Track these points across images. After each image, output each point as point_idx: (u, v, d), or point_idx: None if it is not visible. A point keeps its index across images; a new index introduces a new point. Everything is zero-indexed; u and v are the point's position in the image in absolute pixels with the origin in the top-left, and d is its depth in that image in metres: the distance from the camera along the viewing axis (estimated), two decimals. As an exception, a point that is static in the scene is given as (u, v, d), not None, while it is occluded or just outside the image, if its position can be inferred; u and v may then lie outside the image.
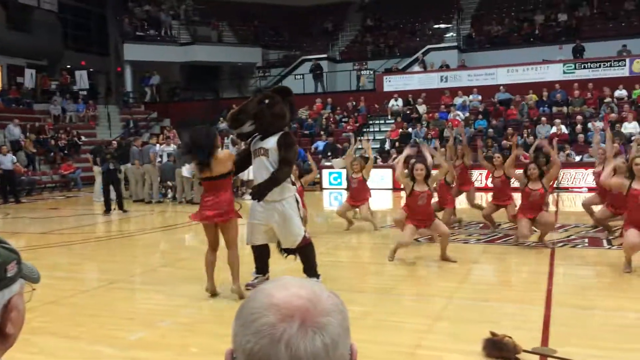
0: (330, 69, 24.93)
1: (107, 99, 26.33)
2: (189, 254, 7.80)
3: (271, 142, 5.12)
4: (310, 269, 5.32)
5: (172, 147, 15.10)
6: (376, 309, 4.78)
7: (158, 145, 15.79)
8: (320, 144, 18.99)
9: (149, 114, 24.39)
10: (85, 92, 23.66)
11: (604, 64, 19.77)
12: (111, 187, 12.14)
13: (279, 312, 0.77)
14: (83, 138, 20.63)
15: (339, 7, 29.10)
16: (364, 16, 28.65)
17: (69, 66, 25.51)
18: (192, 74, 27.82)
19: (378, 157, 8.63)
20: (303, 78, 24.20)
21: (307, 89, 24.10)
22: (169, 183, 14.52)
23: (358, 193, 8.90)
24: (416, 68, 23.13)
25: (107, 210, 12.02)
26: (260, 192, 5.14)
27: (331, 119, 21.06)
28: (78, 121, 22.33)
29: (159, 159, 14.81)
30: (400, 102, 20.97)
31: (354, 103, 21.83)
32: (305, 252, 5.31)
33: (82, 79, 23.64)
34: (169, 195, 14.77)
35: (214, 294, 5.18)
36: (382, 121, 20.91)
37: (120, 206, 12.25)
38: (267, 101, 5.13)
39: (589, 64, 20.04)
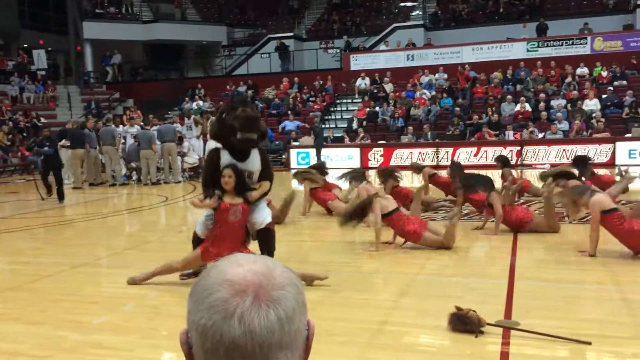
0: (297, 47, 24.72)
1: (67, 79, 25.60)
2: (156, 237, 7.71)
3: (255, 164, 5.04)
4: (270, 254, 5.08)
5: (135, 128, 14.82)
6: (343, 287, 4.81)
7: (121, 126, 15.46)
8: (288, 124, 18.89)
9: (111, 94, 23.83)
10: (43, 72, 22.94)
11: (567, 42, 20.11)
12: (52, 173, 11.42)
13: (232, 287, 0.76)
14: (42, 120, 20.04)
15: (304, -15, 28.78)
16: (330, -6, 28.40)
17: (26, 45, 24.65)
18: (156, 52, 27.26)
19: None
20: (269, 57, 23.94)
21: (274, 68, 23.89)
22: (134, 164, 14.27)
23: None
24: (382, 46, 23.13)
25: (49, 193, 11.35)
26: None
27: (298, 99, 20.95)
28: (37, 102, 21.67)
29: (122, 141, 14.53)
30: (367, 80, 20.97)
31: (321, 82, 21.74)
32: (267, 235, 5.14)
33: (40, 58, 22.89)
34: (134, 178, 14.53)
35: None
36: (349, 100, 20.90)
37: (60, 195, 11.12)
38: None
39: (551, 42, 20.35)
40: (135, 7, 26.59)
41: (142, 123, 15.40)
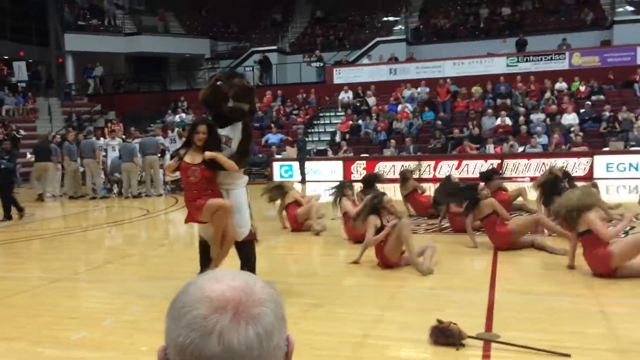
0: (280, 60, 24.82)
1: (48, 91, 25.37)
2: (137, 250, 7.63)
3: (236, 133, 4.89)
4: (251, 268, 4.96)
5: (117, 141, 14.71)
6: (325, 301, 4.80)
7: (102, 139, 15.35)
8: (271, 137, 18.90)
9: (93, 106, 23.65)
10: (24, 84, 22.71)
11: (545, 57, 20.47)
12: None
13: (211, 304, 0.75)
14: (22, 132, 19.80)
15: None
16: (313, 8, 28.62)
17: (6, 57, 24.40)
18: (138, 65, 27.16)
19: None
20: (253, 70, 24.00)
21: (257, 81, 23.95)
22: (117, 175, 14.13)
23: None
24: (365, 60, 23.32)
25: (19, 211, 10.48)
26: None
27: (282, 112, 20.99)
28: (17, 115, 21.42)
29: (103, 153, 14.41)
30: (350, 94, 21.10)
31: (304, 95, 21.82)
32: (247, 248, 5.04)
33: (20, 70, 22.67)
34: (115, 191, 14.40)
35: None
36: (332, 113, 20.99)
37: (6, 211, 10.31)
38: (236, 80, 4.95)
39: (531, 57, 20.71)
40: (118, 19, 26.50)
41: (123, 136, 15.29)
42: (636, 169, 14.74)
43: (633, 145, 15.54)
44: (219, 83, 4.87)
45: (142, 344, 3.92)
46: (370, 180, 8.38)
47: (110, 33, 25.78)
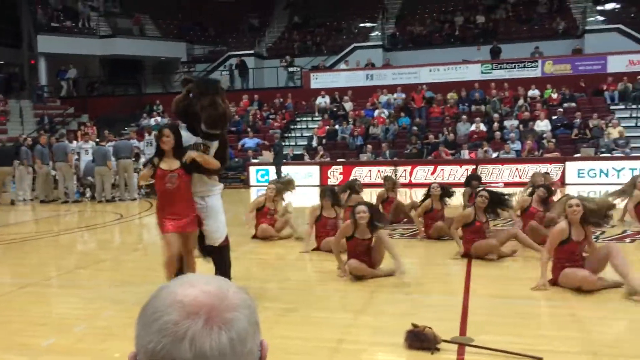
0: (257, 65, 24.78)
1: (20, 93, 24.88)
2: (110, 255, 7.52)
3: (214, 143, 4.87)
4: (225, 273, 4.89)
5: (90, 144, 14.49)
6: (300, 306, 4.79)
7: (75, 142, 15.11)
8: (247, 141, 18.83)
9: (66, 109, 23.27)
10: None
11: (519, 65, 20.82)
12: None
13: (184, 309, 0.74)
14: (-7, 134, 19.38)
15: (265, 4, 28.95)
16: (291, 13, 28.67)
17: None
18: (113, 67, 26.82)
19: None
20: (229, 74, 23.91)
21: (233, 84, 23.88)
22: (90, 179, 13.91)
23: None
24: (342, 66, 23.43)
25: None
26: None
27: (258, 116, 20.94)
28: (-13, 116, 20.97)
29: (76, 157, 14.18)
30: (327, 99, 21.15)
31: (281, 100, 21.81)
32: (223, 253, 5.00)
33: (-9, 71, 22.20)
34: (87, 195, 14.18)
35: None
36: (309, 118, 21.02)
37: None
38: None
39: (505, 64, 21.04)
40: (92, 21, 26.15)
41: (97, 139, 15.07)
42: (606, 175, 15.06)
43: (603, 152, 15.89)
44: (190, 95, 4.83)
45: (115, 350, 3.85)
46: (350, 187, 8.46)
47: (84, 35, 25.42)
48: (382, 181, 9.83)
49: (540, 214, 7.27)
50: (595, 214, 5.02)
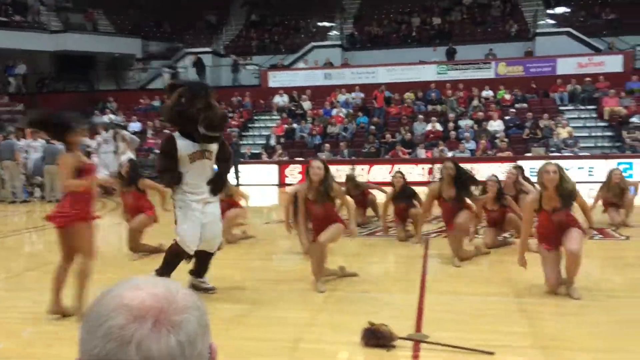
0: (214, 63, 24.50)
1: (-35, 89, 23.88)
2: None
3: (214, 145, 4.92)
4: (204, 271, 5.23)
5: (40, 142, 14.03)
6: (259, 306, 4.77)
7: (23, 139, 14.60)
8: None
9: (14, 106, 22.45)
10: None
11: (473, 66, 21.27)
12: None
13: (130, 312, 0.73)
14: None
15: (223, 1, 28.64)
16: (249, 11, 28.46)
17: None
18: (64, 63, 26.00)
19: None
20: (186, 71, 23.56)
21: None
22: (39, 178, 13.45)
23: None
24: (301, 65, 23.42)
25: None
26: (220, 186, 5.04)
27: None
28: None
29: (24, 155, 13.70)
30: (285, 98, 21.10)
31: (239, 98, 21.64)
32: (205, 256, 5.16)
33: None
34: (37, 194, 13.71)
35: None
36: (267, 117, 20.92)
37: None
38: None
39: (459, 65, 21.46)
40: (42, 16, 25.30)
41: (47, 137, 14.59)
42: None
43: (553, 151, 16.40)
44: (182, 100, 4.71)
45: (64, 355, 3.74)
46: None
47: (34, 30, 24.56)
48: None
49: None
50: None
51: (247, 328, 4.21)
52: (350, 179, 9.11)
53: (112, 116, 20.02)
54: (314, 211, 5.29)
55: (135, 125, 20.26)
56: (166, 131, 4.96)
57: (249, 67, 24.09)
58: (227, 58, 25.15)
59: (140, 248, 6.78)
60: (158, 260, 5.24)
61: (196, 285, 5.14)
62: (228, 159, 5.16)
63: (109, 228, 8.78)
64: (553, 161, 4.90)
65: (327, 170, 5.33)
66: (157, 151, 4.95)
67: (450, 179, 6.24)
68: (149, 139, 19.61)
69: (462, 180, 6.31)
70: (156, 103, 22.21)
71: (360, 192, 9.04)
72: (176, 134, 4.84)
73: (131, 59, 26.32)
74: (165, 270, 4.90)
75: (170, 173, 4.83)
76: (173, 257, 4.98)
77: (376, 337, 3.69)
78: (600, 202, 8.57)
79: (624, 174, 9.07)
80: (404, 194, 7.66)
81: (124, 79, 25.62)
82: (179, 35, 27.16)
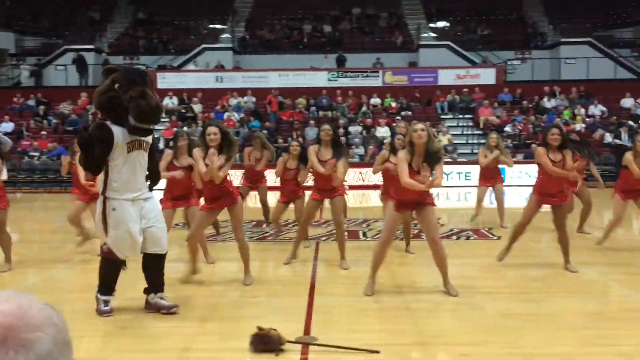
0: (97, 61, 23.25)
1: None
2: None
3: (149, 137, 4.52)
4: (160, 283, 4.71)
5: None
6: (143, 316, 4.59)
7: None
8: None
9: None
10: None
11: (362, 74, 22.00)
12: None
13: None
14: None
15: (107, -3, 27.31)
16: (135, 9, 27.36)
17: None
18: None
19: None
20: (66, 69, 22.17)
21: (71, 82, 22.17)
22: None
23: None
24: (191, 66, 22.90)
25: None
26: (158, 180, 4.75)
27: (99, 115, 19.65)
28: None
29: None
30: (175, 100, 20.52)
31: (125, 99, 20.71)
32: (161, 262, 4.71)
33: None
34: None
35: None
36: (155, 119, 20.20)
37: None
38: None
39: (349, 73, 22.11)
40: None
41: None
42: (438, 178, 16.49)
43: (435, 157, 17.35)
44: (116, 86, 4.32)
45: None
46: None
47: None
48: None
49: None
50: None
51: (131, 340, 4.04)
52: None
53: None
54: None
55: (8, 126, 18.74)
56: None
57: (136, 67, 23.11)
58: (112, 57, 23.97)
59: None
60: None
61: (156, 304, 4.62)
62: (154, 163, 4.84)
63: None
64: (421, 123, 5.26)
65: (224, 132, 5.34)
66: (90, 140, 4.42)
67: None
68: (24, 141, 18.22)
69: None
70: (31, 102, 20.69)
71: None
72: (108, 122, 4.40)
73: (4, 54, 24.29)
74: (103, 286, 4.50)
75: (101, 162, 4.35)
76: (108, 267, 4.53)
77: (264, 342, 3.69)
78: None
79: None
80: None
81: (-6, 74, 23.61)
82: (58, 30, 25.49)
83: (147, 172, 4.59)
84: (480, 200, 9.21)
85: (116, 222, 4.35)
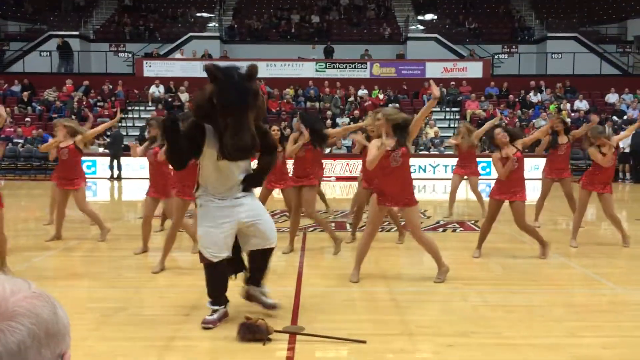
0: (82, 48, 22.96)
1: None
2: None
3: None
4: (260, 276, 4.34)
5: None
6: (130, 304, 4.56)
7: None
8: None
9: None
10: None
11: (350, 66, 21.96)
12: None
13: None
14: None
15: (93, -18, 26.91)
16: (122, -5, 27.01)
17: None
18: None
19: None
20: (50, 56, 21.86)
21: (55, 68, 21.87)
22: None
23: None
24: (178, 55, 22.69)
25: None
26: (258, 184, 4.35)
27: (84, 102, 19.43)
28: None
29: None
30: (161, 88, 20.33)
31: (111, 87, 20.49)
32: (268, 255, 4.30)
33: None
34: None
35: None
36: (142, 107, 20.03)
37: None
38: None
39: (337, 64, 22.04)
40: None
41: None
42: (424, 170, 16.58)
43: (422, 150, 17.43)
44: (214, 101, 3.84)
45: None
46: None
47: None
48: None
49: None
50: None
51: (117, 327, 4.01)
52: None
53: (-38, 101, 18.03)
54: None
55: (-10, 112, 18.42)
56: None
57: (121, 54, 22.88)
58: (97, 43, 23.69)
59: None
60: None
61: (258, 298, 4.29)
62: (272, 150, 4.44)
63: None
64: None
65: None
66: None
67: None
68: (7, 128, 17.94)
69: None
70: (16, 88, 20.39)
71: None
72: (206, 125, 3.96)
73: (-15, 39, 23.91)
74: (210, 295, 4.14)
75: (188, 159, 4.05)
76: (207, 274, 4.13)
77: (252, 332, 3.69)
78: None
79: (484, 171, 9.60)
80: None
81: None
82: (42, 16, 25.08)
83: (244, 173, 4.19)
84: (453, 189, 9.21)
85: (201, 219, 4.07)
